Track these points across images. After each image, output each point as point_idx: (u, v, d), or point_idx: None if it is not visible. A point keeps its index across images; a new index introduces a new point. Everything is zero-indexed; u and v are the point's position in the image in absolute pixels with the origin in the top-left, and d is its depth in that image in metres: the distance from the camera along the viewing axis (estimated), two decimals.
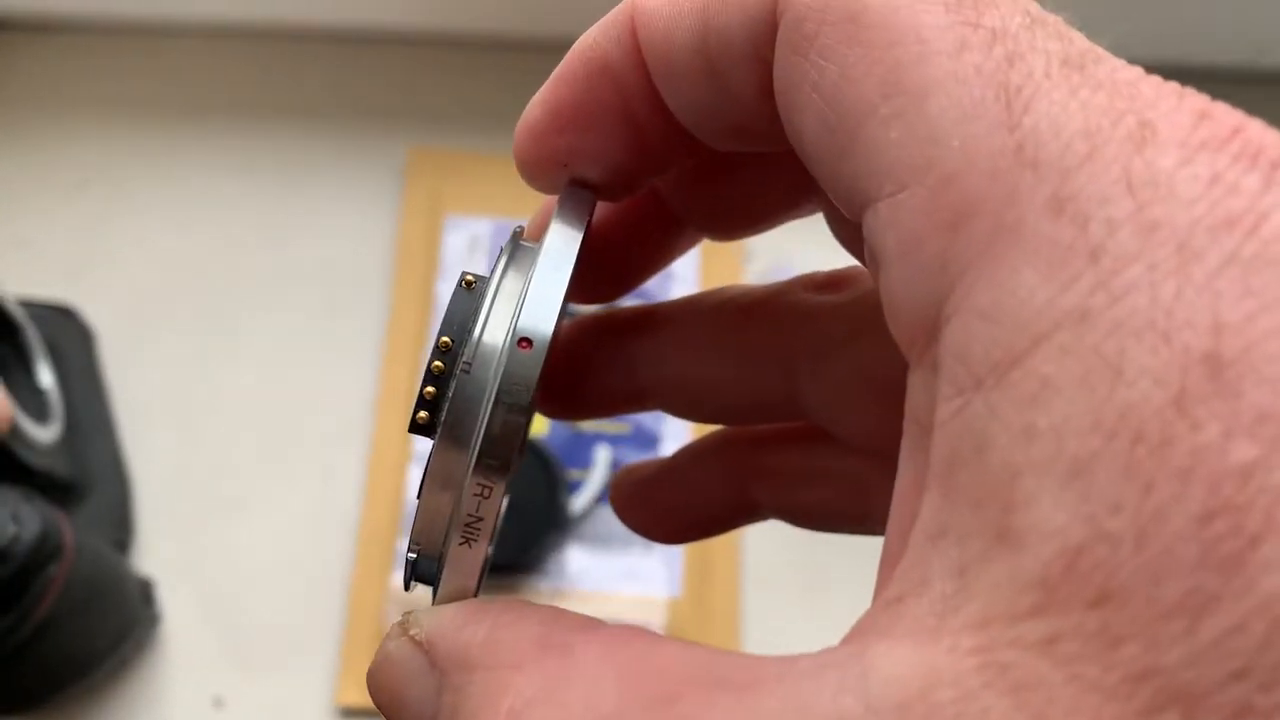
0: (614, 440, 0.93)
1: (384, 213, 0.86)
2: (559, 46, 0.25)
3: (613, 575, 0.87)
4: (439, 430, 0.22)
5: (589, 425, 0.96)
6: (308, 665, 0.73)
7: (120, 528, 0.72)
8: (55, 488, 0.63)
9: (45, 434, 0.59)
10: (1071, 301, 0.15)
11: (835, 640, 0.18)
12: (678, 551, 0.85)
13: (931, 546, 0.16)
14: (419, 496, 0.22)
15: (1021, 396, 0.15)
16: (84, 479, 0.68)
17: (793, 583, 0.80)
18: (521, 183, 0.26)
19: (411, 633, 0.21)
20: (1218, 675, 0.14)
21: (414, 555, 0.22)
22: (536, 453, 0.89)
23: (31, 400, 0.56)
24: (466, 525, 0.20)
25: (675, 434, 0.88)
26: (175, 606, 0.73)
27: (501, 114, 0.24)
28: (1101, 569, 0.14)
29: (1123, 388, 0.15)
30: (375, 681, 0.22)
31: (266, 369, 0.82)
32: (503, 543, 0.87)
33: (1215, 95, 0.17)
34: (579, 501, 0.90)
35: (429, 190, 0.87)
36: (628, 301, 0.30)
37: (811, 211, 0.27)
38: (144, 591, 0.71)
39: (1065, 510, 0.15)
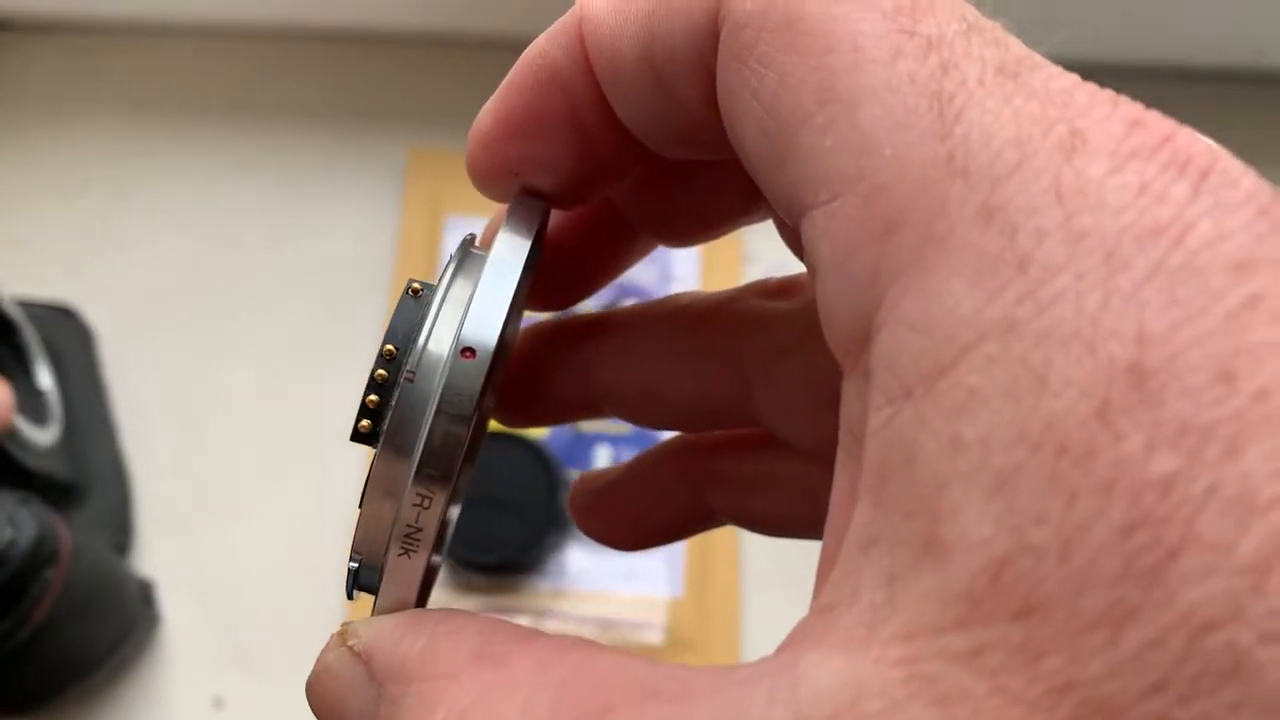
0: (614, 440, 0.93)
1: (384, 213, 0.86)
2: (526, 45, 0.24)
3: (613, 575, 0.87)
4: (381, 439, 0.21)
5: (589, 425, 0.96)
6: (308, 665, 0.73)
7: (120, 530, 0.71)
8: (54, 490, 0.62)
9: (44, 436, 0.58)
10: (999, 311, 0.15)
11: None
12: (678, 551, 0.85)
13: (862, 556, 0.16)
14: (359, 506, 0.22)
15: (949, 407, 0.15)
16: (83, 481, 0.68)
17: (793, 583, 0.78)
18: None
19: (350, 643, 0.21)
20: (1138, 688, 0.14)
21: (355, 565, 0.22)
22: (536, 453, 0.89)
23: (30, 402, 0.54)
24: (406, 536, 0.20)
25: (675, 434, 0.87)
26: (175, 607, 0.73)
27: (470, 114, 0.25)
28: (1025, 581, 0.14)
29: (1048, 398, 0.15)
30: (314, 693, 0.21)
31: (266, 369, 0.82)
32: (503, 543, 0.89)
33: (1215, 95, 0.18)
34: None
35: (429, 191, 0.87)
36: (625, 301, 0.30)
37: (763, 218, 0.27)
38: (144, 593, 0.71)
39: (990, 522, 0.15)
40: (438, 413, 0.20)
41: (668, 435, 0.32)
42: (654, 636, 0.83)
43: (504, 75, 0.24)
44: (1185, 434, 0.14)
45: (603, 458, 0.91)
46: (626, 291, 0.86)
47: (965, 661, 0.15)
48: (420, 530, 0.20)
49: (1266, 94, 0.85)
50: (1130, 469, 0.14)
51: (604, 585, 0.87)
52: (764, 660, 0.17)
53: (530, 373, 0.30)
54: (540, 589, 0.87)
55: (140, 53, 0.92)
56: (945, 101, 0.17)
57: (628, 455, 0.93)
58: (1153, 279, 0.15)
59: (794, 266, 0.25)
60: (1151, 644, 0.14)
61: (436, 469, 0.20)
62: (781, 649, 0.17)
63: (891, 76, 0.17)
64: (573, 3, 0.23)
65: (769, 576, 0.82)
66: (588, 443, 0.93)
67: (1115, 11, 0.82)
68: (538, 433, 0.91)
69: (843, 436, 0.18)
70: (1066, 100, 0.17)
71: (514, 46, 0.24)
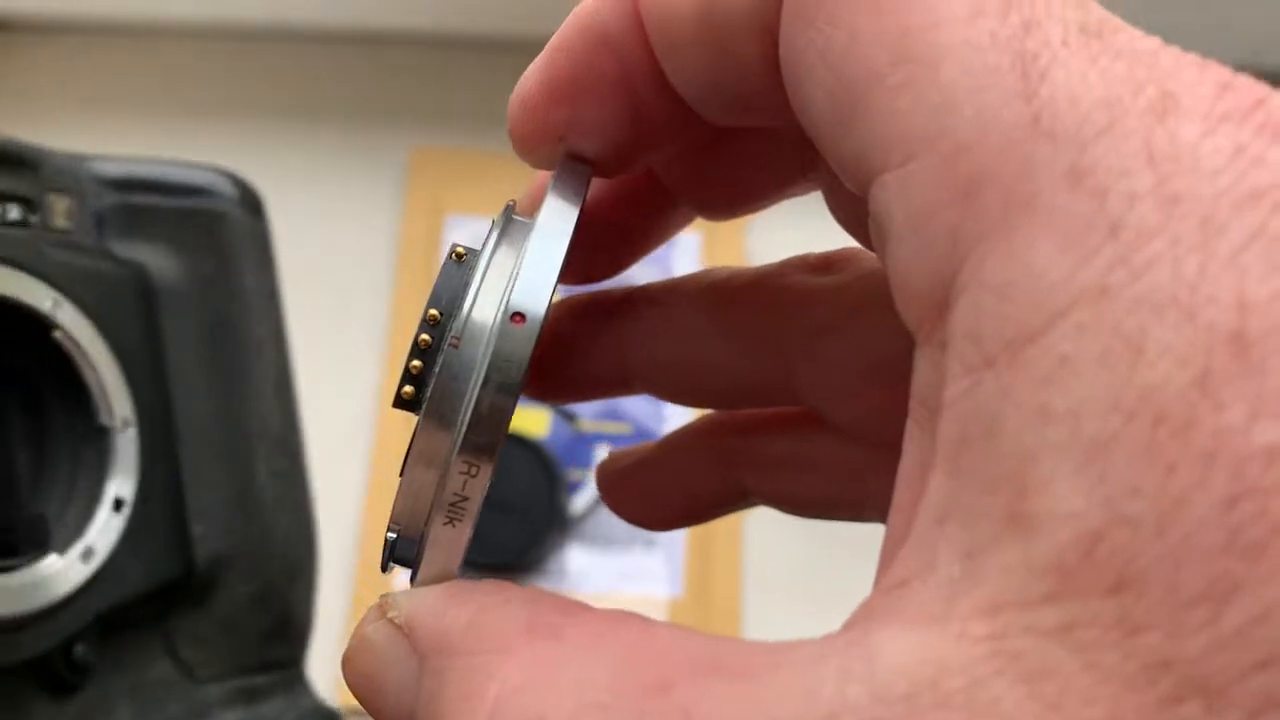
0: (615, 440, 0.92)
1: (386, 212, 0.87)
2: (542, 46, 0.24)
3: (613, 575, 0.87)
4: (424, 406, 0.21)
5: (589, 425, 0.97)
6: (309, 664, 0.73)
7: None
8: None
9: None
10: (1090, 277, 0.15)
11: None
12: (678, 551, 0.86)
13: (938, 530, 0.16)
14: (401, 474, 0.21)
15: (1036, 376, 0.15)
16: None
17: (793, 583, 0.80)
18: (526, 182, 0.25)
19: (390, 615, 0.20)
20: (1241, 665, 0.13)
21: (394, 535, 0.21)
22: (536, 453, 0.89)
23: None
24: (452, 505, 0.20)
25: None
26: None
27: (504, 114, 0.23)
28: (1121, 554, 0.14)
29: (1144, 367, 0.14)
30: (352, 667, 0.21)
31: None
32: (503, 543, 0.89)
33: None
34: (579, 501, 0.89)
35: (431, 190, 0.87)
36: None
37: (809, 189, 0.26)
38: None
39: (1082, 494, 0.14)
40: (486, 379, 0.19)
41: (677, 425, 0.31)
42: None
43: (506, 75, 0.24)
44: None
45: (602, 456, 0.90)
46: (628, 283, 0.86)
47: (1055, 637, 0.14)
48: (466, 499, 0.19)
49: None
50: (1232, 439, 0.13)
51: (604, 585, 0.87)
52: (830, 636, 0.16)
53: (563, 347, 0.29)
54: (540, 589, 0.88)
55: (140, 53, 0.92)
56: (1029, 61, 0.16)
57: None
58: (1253, 244, 0.14)
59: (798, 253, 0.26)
60: (1257, 620, 0.13)
61: (484, 436, 0.19)
62: (848, 625, 0.17)
63: (971, 34, 0.16)
64: (574, 3, 0.22)
65: (769, 576, 0.83)
66: (588, 442, 0.93)
67: (1114, 12, 0.83)
68: (538, 433, 0.92)
69: (914, 408, 0.17)
70: (1153, 61, 0.16)
71: (517, 47, 0.24)
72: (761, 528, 0.85)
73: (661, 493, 0.31)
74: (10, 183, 0.38)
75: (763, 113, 0.21)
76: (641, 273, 0.29)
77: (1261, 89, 0.16)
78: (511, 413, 0.20)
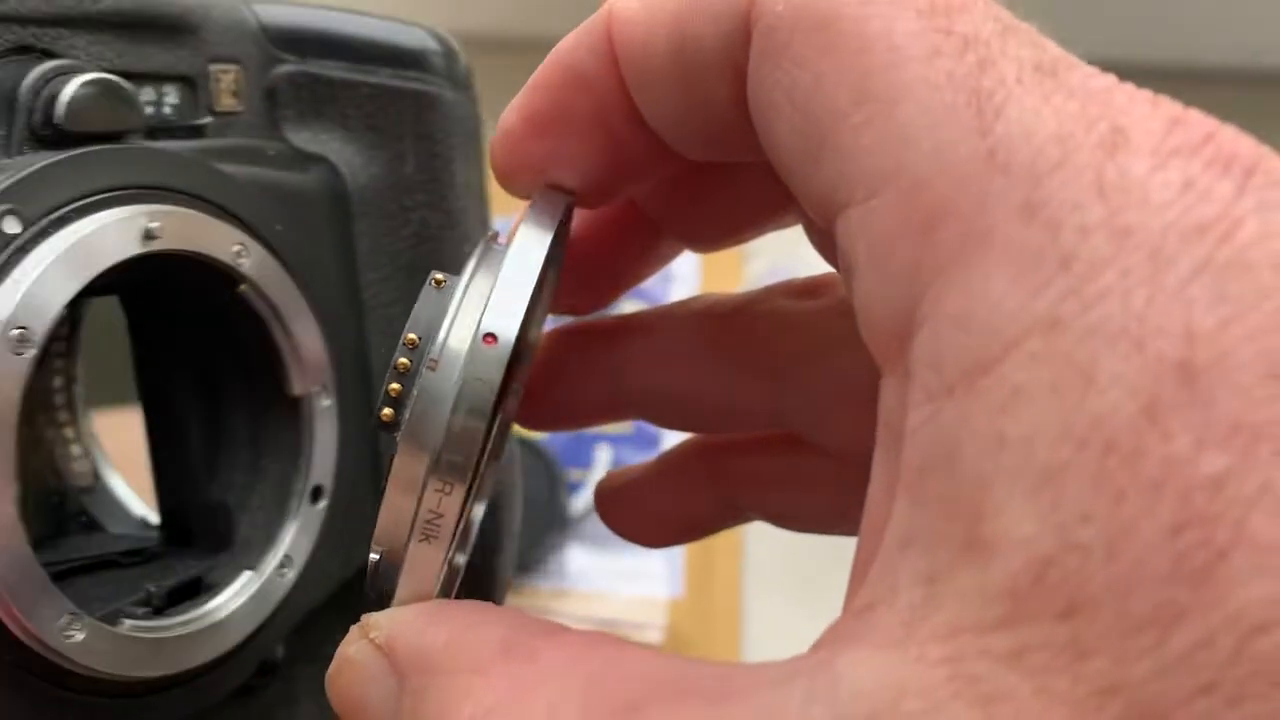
0: (615, 440, 0.91)
1: None
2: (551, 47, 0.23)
3: (613, 575, 0.87)
4: (401, 428, 0.21)
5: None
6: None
7: None
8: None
9: None
10: (1043, 308, 0.15)
11: None
12: (679, 552, 0.84)
13: (900, 555, 0.16)
14: (380, 496, 0.21)
15: (992, 404, 0.15)
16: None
17: (793, 583, 0.79)
18: None
19: (371, 635, 0.20)
20: (1186, 689, 0.13)
21: (377, 556, 0.21)
22: (536, 453, 0.88)
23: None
24: (427, 523, 0.20)
25: (676, 433, 0.82)
26: None
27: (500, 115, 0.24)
28: (1071, 580, 0.14)
29: (1094, 396, 0.14)
30: (335, 686, 0.21)
31: None
32: None
33: (1216, 95, 0.16)
34: (579, 502, 0.89)
35: None
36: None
37: (792, 222, 0.26)
38: None
39: (1034, 520, 0.14)
40: (459, 399, 0.19)
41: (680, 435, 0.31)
42: (654, 636, 0.82)
43: (505, 76, 0.24)
44: (1236, 433, 0.14)
45: (603, 457, 0.90)
46: (627, 293, 0.79)
47: (1009, 661, 0.14)
48: (441, 517, 0.20)
49: (1266, 94, 0.84)
50: (1180, 468, 0.14)
51: (604, 585, 0.87)
52: (797, 659, 0.16)
53: (555, 376, 0.29)
54: (540, 589, 0.88)
55: None
56: (984, 98, 0.16)
57: (629, 454, 0.94)
58: (1200, 276, 0.14)
59: (795, 261, 0.25)
60: (1200, 645, 0.13)
61: (458, 455, 0.19)
62: (816, 648, 0.17)
63: (929, 74, 0.17)
64: (573, 3, 0.21)
65: (770, 576, 0.81)
66: (588, 442, 0.91)
67: (1115, 12, 0.81)
68: (538, 433, 0.85)
69: (881, 434, 0.18)
70: (1106, 99, 0.16)
71: (515, 48, 0.24)
72: (761, 528, 0.82)
73: (658, 511, 0.31)
74: (166, 57, 0.28)
75: (735, 149, 0.21)
76: None
77: (1211, 123, 0.16)
78: (485, 431, 0.19)
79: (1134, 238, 0.15)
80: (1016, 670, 0.14)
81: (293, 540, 0.28)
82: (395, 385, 0.22)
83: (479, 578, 0.35)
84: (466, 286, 0.22)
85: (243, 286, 0.26)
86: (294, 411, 0.28)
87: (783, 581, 0.80)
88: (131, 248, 0.24)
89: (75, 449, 0.33)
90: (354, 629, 0.21)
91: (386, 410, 0.22)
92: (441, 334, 0.21)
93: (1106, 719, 0.14)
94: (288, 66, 0.30)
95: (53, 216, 0.23)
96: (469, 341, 0.20)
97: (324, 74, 0.30)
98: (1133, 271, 0.15)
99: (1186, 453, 0.14)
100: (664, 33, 0.21)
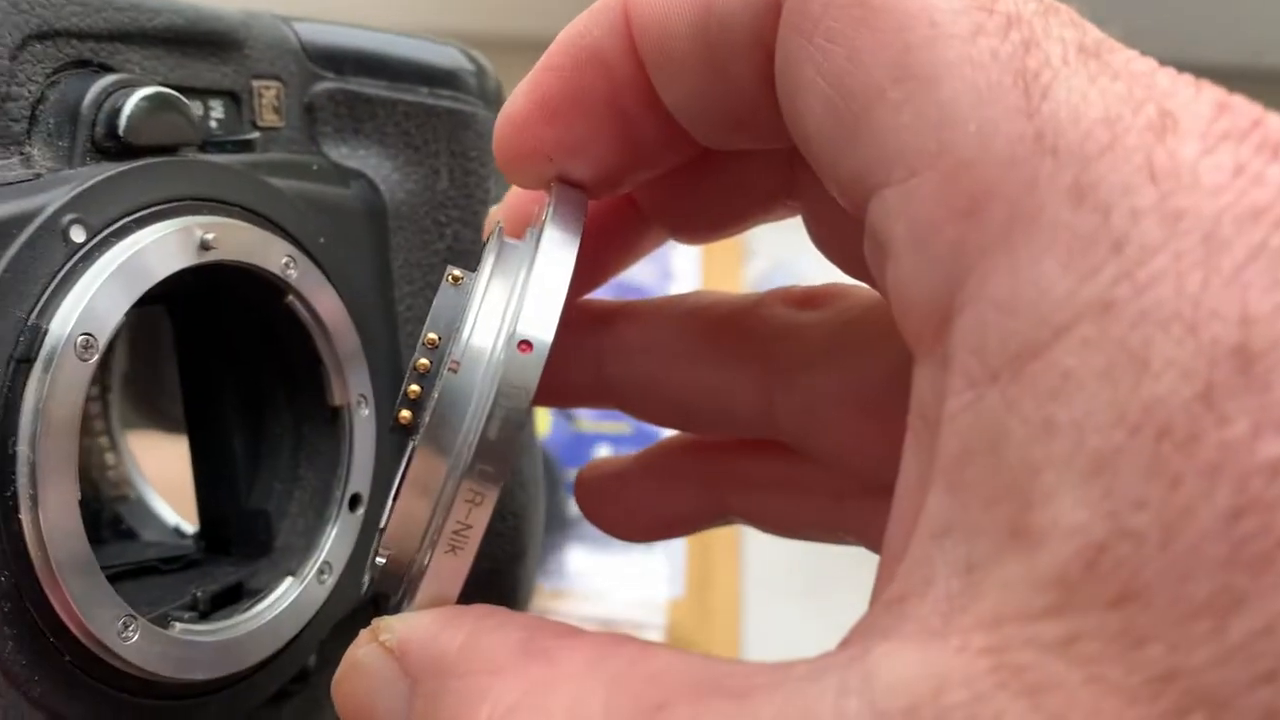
0: (615, 440, 0.89)
1: None
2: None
3: (613, 575, 0.84)
4: (421, 431, 0.20)
5: (589, 425, 0.91)
6: None
7: None
8: None
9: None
10: (1094, 292, 0.15)
11: (837, 641, 0.17)
12: (679, 552, 0.81)
13: (935, 545, 0.16)
14: (394, 499, 0.20)
15: (1041, 390, 0.15)
16: None
17: (793, 583, 0.78)
18: None
19: (383, 639, 0.20)
20: (1245, 678, 0.13)
21: (383, 561, 0.21)
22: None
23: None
24: (455, 533, 0.19)
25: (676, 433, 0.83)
26: None
27: None
28: (1124, 567, 0.14)
29: (1148, 381, 0.14)
30: (342, 691, 0.20)
31: None
32: None
33: None
34: None
35: None
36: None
37: (787, 215, 0.26)
38: None
39: (1087, 507, 0.14)
40: (495, 406, 0.19)
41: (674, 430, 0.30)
42: (654, 637, 0.79)
43: (508, 74, 0.22)
44: None
45: (583, 466, 0.87)
46: (625, 289, 0.79)
47: (1057, 650, 0.14)
48: (470, 528, 0.19)
49: (1266, 94, 0.86)
50: (1237, 453, 0.13)
51: (604, 585, 0.84)
52: (827, 655, 0.16)
53: None
54: (540, 589, 0.85)
55: None
56: (1030, 78, 0.16)
57: (644, 448, 0.93)
58: (1255, 260, 0.14)
59: (793, 261, 0.27)
60: (1261, 633, 0.13)
61: (491, 465, 0.19)
62: (846, 642, 0.16)
63: (973, 53, 0.16)
64: (575, 3, 0.21)
65: (770, 576, 0.80)
66: (588, 442, 0.90)
67: (1115, 12, 0.79)
68: (538, 432, 0.85)
69: (913, 423, 0.17)
70: (1150, 81, 0.16)
71: (518, 47, 0.24)
72: None
73: (641, 506, 0.30)
74: (213, 73, 0.28)
75: (755, 132, 0.21)
76: (639, 269, 0.29)
77: (1258, 109, 0.16)
78: (518, 441, 0.19)
79: (1187, 221, 0.15)
80: (1066, 659, 0.14)
81: (331, 547, 0.28)
82: (414, 387, 0.21)
83: (502, 584, 0.35)
84: (487, 284, 0.21)
85: (289, 298, 0.27)
86: (334, 421, 0.29)
87: (783, 581, 0.80)
88: (189, 258, 0.24)
89: (110, 457, 0.34)
90: (363, 633, 0.20)
91: (404, 413, 0.21)
92: (464, 334, 0.20)
93: (1162, 708, 0.13)
94: (327, 84, 0.31)
95: (115, 226, 0.24)
96: (499, 345, 0.20)
97: (362, 91, 0.31)
98: (1186, 255, 0.14)
99: (1243, 438, 0.14)
100: (687, 9, 0.20)
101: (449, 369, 0.20)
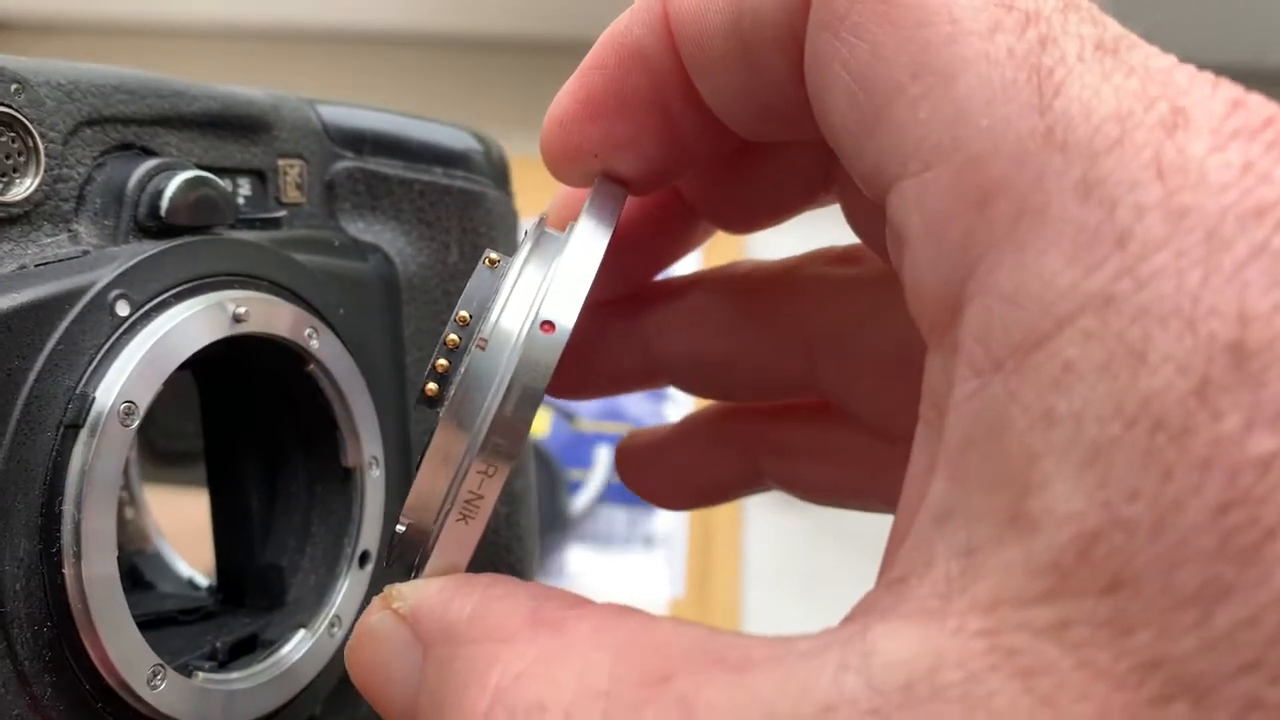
0: (614, 440, 0.85)
1: None
2: (577, 48, 0.24)
3: (613, 575, 0.88)
4: (445, 404, 0.21)
5: (589, 426, 0.92)
6: None
7: None
8: None
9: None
10: (1096, 286, 0.15)
11: None
12: (679, 551, 0.83)
13: (936, 528, 0.16)
14: (416, 468, 0.21)
15: (1042, 380, 0.15)
16: None
17: (793, 582, 0.79)
18: (537, 184, 0.25)
19: (395, 606, 0.20)
20: (1229, 667, 0.13)
21: (403, 528, 0.21)
22: (536, 453, 0.87)
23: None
24: (467, 502, 0.20)
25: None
26: None
27: (517, 116, 0.26)
28: (1117, 555, 0.14)
29: (1145, 374, 0.14)
30: (355, 658, 0.21)
31: None
32: None
33: None
34: (579, 501, 0.91)
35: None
36: None
37: (827, 203, 0.26)
38: None
39: (1082, 495, 0.14)
40: (511, 384, 0.19)
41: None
42: None
43: (520, 76, 0.24)
44: None
45: (603, 457, 0.91)
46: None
47: (1050, 634, 0.14)
48: (481, 498, 0.19)
49: (1266, 94, 0.86)
50: (1228, 448, 0.14)
51: (604, 585, 0.88)
52: (828, 631, 0.16)
53: (587, 344, 0.28)
54: None
55: (140, 53, 0.87)
56: (1044, 76, 0.16)
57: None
58: (1256, 259, 0.14)
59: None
60: (1245, 623, 0.13)
61: (505, 439, 0.19)
62: (847, 620, 0.17)
63: (990, 49, 0.17)
64: (588, 5, 0.22)
65: (770, 576, 0.81)
66: (588, 442, 0.93)
67: (1114, 12, 0.81)
68: (538, 432, 0.87)
69: (924, 411, 0.18)
70: (1166, 78, 0.16)
71: (532, 49, 0.26)
72: (761, 527, 0.85)
73: (679, 474, 0.31)
74: (243, 153, 0.30)
75: (790, 124, 0.21)
76: None
77: (1272, 107, 0.16)
78: (533, 418, 0.19)
79: (1191, 218, 0.15)
80: (1057, 644, 0.14)
81: (342, 601, 0.30)
82: (442, 361, 0.22)
83: None
84: (522, 269, 0.22)
85: (311, 366, 0.29)
86: (347, 481, 0.31)
87: (783, 581, 0.80)
88: (222, 330, 0.26)
89: (129, 511, 0.35)
90: (376, 600, 0.21)
91: (431, 385, 0.22)
92: (494, 314, 0.21)
93: (1148, 693, 0.14)
94: (346, 163, 0.33)
95: (156, 301, 0.25)
96: (525, 326, 0.20)
97: (379, 170, 0.33)
98: (1188, 252, 0.15)
99: (1235, 433, 0.14)
100: (722, 5, 0.21)
101: (477, 346, 0.21)
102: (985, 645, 0.15)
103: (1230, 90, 0.16)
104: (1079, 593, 0.14)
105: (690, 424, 0.31)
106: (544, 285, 0.20)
